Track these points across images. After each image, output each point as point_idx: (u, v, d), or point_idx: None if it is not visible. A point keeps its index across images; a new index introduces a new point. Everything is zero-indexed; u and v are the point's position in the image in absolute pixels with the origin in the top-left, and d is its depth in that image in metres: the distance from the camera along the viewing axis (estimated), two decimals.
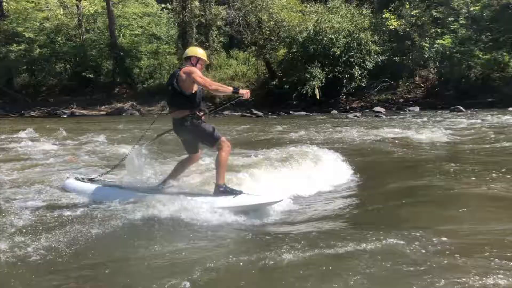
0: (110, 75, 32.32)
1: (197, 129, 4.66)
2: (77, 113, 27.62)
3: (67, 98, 30.67)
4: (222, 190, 4.52)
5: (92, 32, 32.97)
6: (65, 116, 26.68)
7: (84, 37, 32.44)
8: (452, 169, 6.26)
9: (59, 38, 32.44)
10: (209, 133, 4.66)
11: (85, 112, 28.03)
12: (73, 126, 17.03)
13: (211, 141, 4.68)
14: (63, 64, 33.77)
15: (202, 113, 4.71)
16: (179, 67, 4.70)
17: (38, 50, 31.20)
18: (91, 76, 31.95)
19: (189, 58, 4.73)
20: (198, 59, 4.71)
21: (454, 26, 24.13)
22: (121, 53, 30.97)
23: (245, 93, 4.54)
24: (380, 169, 7.16)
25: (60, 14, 32.73)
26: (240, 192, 4.51)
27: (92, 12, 32.77)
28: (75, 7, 32.57)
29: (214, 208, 4.29)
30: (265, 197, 4.48)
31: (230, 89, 4.57)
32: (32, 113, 27.02)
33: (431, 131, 11.46)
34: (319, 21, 24.56)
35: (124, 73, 31.39)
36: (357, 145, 9.70)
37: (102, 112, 28.00)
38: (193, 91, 4.62)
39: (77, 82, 32.29)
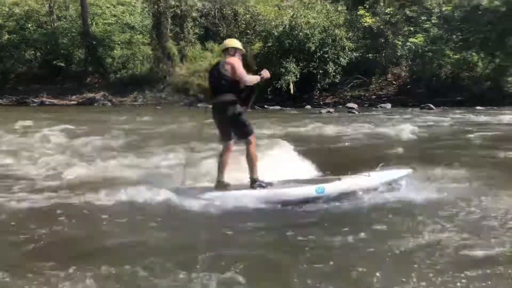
0: (82, 64, 31.66)
1: (237, 117, 4.65)
2: (47, 102, 27.03)
3: (37, 86, 29.92)
4: (259, 184, 4.64)
5: (64, 20, 32.20)
6: (34, 105, 26.08)
7: (55, 24, 31.66)
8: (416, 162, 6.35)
9: (29, 25, 31.59)
10: (246, 125, 4.70)
11: (55, 101, 27.44)
12: (42, 115, 16.61)
13: (244, 133, 4.71)
14: (33, 52, 32.83)
15: (245, 102, 4.74)
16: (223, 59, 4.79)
17: (6, 37, 30.32)
18: (62, 64, 31.22)
19: (227, 49, 4.84)
20: (236, 49, 4.83)
21: (426, 25, 24.59)
22: (94, 42, 30.37)
23: (266, 75, 4.82)
24: (344, 162, 7.18)
25: (31, 0, 31.82)
26: (271, 184, 4.67)
27: None
28: None
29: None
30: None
31: (258, 77, 4.77)
32: (0, 101, 26.29)
33: (400, 127, 11.70)
34: (294, 16, 24.63)
35: (96, 62, 30.79)
36: (323, 140, 9.84)
37: (73, 102, 27.48)
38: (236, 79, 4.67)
39: (48, 70, 31.49)
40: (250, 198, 4.47)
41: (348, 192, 4.64)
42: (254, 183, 4.65)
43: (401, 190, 4.81)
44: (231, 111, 4.62)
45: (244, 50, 5.02)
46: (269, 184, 4.68)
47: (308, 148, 8.10)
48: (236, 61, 4.68)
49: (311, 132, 11.43)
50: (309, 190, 4.60)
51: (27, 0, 31.55)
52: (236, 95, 4.66)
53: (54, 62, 30.87)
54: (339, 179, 4.83)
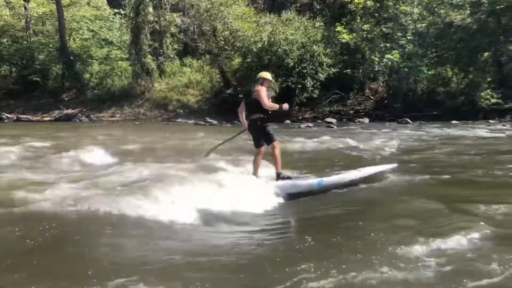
0: (58, 80, 31.22)
1: (263, 128, 6.19)
2: (22, 118, 26.45)
3: (12, 102, 29.35)
4: (282, 176, 6.05)
5: (41, 35, 31.82)
6: (9, 121, 25.55)
7: (31, 39, 31.24)
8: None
9: (4, 40, 31.07)
10: (269, 134, 6.19)
11: (31, 117, 26.90)
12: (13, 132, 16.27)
13: (269, 140, 6.17)
14: (8, 67, 32.27)
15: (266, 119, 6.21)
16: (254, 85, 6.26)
17: None
18: (38, 80, 30.75)
19: (258, 79, 6.26)
20: (264, 80, 6.20)
21: (402, 42, 25.13)
22: (71, 57, 30.05)
23: (286, 107, 6.25)
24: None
25: (6, 15, 31.42)
26: (290, 177, 6.13)
27: (41, 14, 31.62)
28: (23, 8, 31.35)
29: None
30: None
31: (277, 106, 6.13)
32: None
33: (377, 141, 11.85)
34: (273, 32, 24.89)
35: (73, 78, 30.41)
36: (303, 154, 9.90)
37: (49, 118, 26.99)
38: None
39: (24, 86, 30.97)
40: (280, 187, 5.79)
41: (346, 181, 6.09)
42: (279, 176, 6.06)
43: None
44: (259, 125, 6.19)
45: (272, 80, 6.53)
46: (289, 177, 6.12)
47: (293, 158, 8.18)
48: (262, 89, 6.08)
49: (295, 145, 11.47)
50: (313, 182, 5.96)
51: (3, 15, 31.11)
52: (262, 114, 6.14)
53: (30, 77, 30.38)
54: (340, 173, 6.34)
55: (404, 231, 3.97)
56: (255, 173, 6.22)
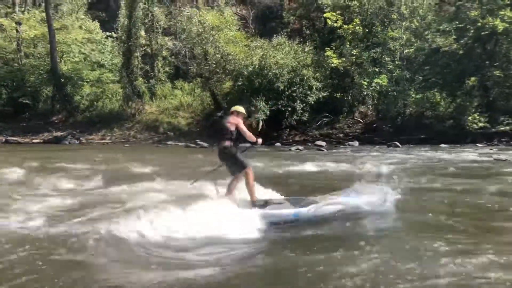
0: (49, 102, 31.20)
1: (232, 156, 6.29)
2: (11, 141, 26.27)
3: (1, 124, 29.19)
4: (257, 204, 6.01)
5: (32, 57, 31.90)
6: None
7: (23, 61, 31.29)
8: None
9: None
10: (239, 161, 6.25)
11: (20, 139, 26.74)
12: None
13: (240, 167, 6.23)
14: None
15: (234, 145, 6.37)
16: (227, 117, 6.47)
17: None
18: (28, 102, 30.70)
19: (231, 112, 6.51)
20: (238, 113, 6.48)
21: (390, 66, 25.51)
22: (62, 80, 30.09)
23: (260, 141, 6.54)
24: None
25: None
26: (265, 205, 6.02)
27: (33, 36, 31.76)
28: (15, 30, 31.50)
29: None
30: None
31: (255, 139, 6.41)
32: None
33: (367, 164, 11.91)
34: (264, 56, 25.19)
35: (64, 100, 30.41)
36: (291, 174, 9.90)
37: (38, 140, 26.84)
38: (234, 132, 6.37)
39: (14, 108, 30.87)
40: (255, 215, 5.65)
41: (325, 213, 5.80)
42: (254, 204, 6.02)
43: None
44: (227, 152, 6.31)
45: (245, 114, 6.65)
46: (264, 205, 6.01)
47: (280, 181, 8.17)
48: (240, 122, 6.36)
49: (280, 168, 11.52)
50: (290, 212, 5.82)
51: None
52: (231, 141, 6.32)
53: (21, 99, 30.33)
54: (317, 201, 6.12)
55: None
56: (228, 195, 6.32)
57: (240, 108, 6.62)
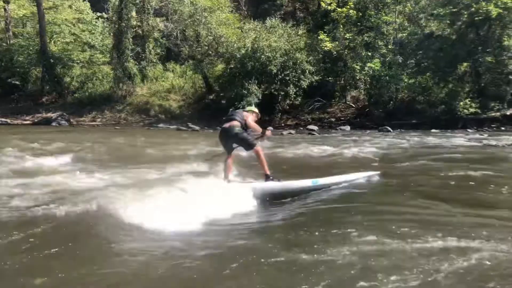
0: (38, 83, 30.79)
1: (242, 135, 6.44)
2: (1, 122, 25.96)
3: None
4: (271, 178, 6.27)
5: (21, 37, 31.36)
6: None
7: (11, 41, 30.76)
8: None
9: None
10: (248, 140, 6.43)
11: (9, 120, 26.43)
12: None
13: (250, 145, 6.41)
14: None
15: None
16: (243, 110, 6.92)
17: None
18: (17, 83, 30.27)
19: (247, 111, 6.80)
20: (253, 112, 6.87)
21: (383, 51, 25.41)
22: (52, 61, 29.65)
23: (269, 133, 6.99)
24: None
25: None
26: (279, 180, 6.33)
27: (21, 15, 31.18)
28: (2, 9, 30.88)
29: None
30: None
31: (260, 130, 6.69)
32: None
33: (356, 148, 11.93)
34: (257, 39, 24.95)
35: (53, 81, 30.03)
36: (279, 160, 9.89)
37: (28, 122, 26.55)
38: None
39: (2, 89, 30.44)
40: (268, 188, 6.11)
41: (336, 182, 6.70)
42: (267, 177, 6.27)
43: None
44: (239, 130, 6.42)
45: (259, 114, 6.98)
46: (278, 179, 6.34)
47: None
48: (249, 116, 6.65)
49: (278, 152, 11.47)
50: (307, 183, 6.39)
51: None
52: (241, 126, 6.47)
53: (9, 80, 29.89)
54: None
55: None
56: (226, 174, 6.52)
57: (254, 109, 7.01)
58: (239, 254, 3.69)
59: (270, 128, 6.87)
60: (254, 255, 3.67)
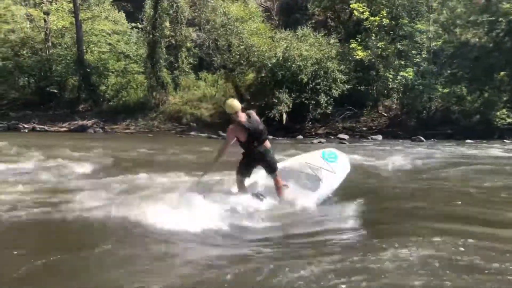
0: (75, 91, 31.75)
1: (272, 158, 6.05)
2: (38, 129, 26.86)
3: (29, 112, 29.86)
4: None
5: (59, 47, 32.42)
6: (25, 131, 25.95)
7: (50, 51, 31.85)
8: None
9: (24, 52, 31.76)
10: (275, 163, 6.07)
11: (46, 127, 27.30)
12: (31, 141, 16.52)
13: (274, 169, 5.98)
14: (26, 78, 32.95)
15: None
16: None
17: (0, 63, 30.44)
18: (55, 91, 31.28)
19: (235, 113, 6.12)
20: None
21: (416, 59, 25.00)
22: (88, 70, 30.54)
23: None
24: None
25: (27, 28, 32.11)
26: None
27: (60, 27, 32.28)
28: (43, 21, 32.05)
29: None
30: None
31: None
32: None
33: (391, 158, 11.76)
34: (288, 48, 24.99)
35: (89, 90, 30.89)
36: None
37: (64, 129, 27.35)
38: None
39: (41, 97, 31.55)
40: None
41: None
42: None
43: None
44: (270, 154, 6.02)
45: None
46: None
47: None
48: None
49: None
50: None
51: (23, 27, 31.81)
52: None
53: (48, 88, 30.93)
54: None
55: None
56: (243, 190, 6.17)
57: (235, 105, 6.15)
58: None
59: None
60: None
